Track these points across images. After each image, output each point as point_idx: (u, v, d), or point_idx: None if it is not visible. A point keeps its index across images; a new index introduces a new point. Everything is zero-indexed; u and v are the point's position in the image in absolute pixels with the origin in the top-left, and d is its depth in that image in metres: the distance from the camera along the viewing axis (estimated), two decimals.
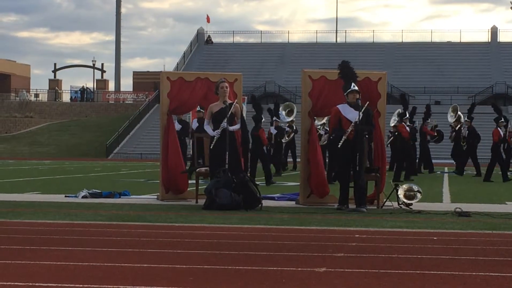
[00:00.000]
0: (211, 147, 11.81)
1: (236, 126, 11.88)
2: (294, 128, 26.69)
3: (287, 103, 28.65)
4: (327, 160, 18.09)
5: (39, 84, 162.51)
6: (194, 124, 21.52)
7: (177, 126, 21.35)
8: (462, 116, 26.16)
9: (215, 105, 11.85)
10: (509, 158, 23.49)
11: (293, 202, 12.45)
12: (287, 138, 25.92)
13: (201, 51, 72.72)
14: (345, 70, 11.59)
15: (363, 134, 11.34)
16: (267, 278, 5.45)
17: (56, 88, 74.02)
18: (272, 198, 13.04)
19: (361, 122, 11.17)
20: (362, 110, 11.20)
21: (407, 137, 22.08)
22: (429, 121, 27.39)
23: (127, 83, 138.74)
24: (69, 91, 75.13)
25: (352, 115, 11.24)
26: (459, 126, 25.94)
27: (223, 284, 5.21)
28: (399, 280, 5.45)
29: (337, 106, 11.38)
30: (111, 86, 78.41)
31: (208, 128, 11.94)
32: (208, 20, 75.51)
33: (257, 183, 11.99)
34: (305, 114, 12.26)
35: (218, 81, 12.05)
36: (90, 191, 13.24)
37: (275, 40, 76.25)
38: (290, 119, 26.76)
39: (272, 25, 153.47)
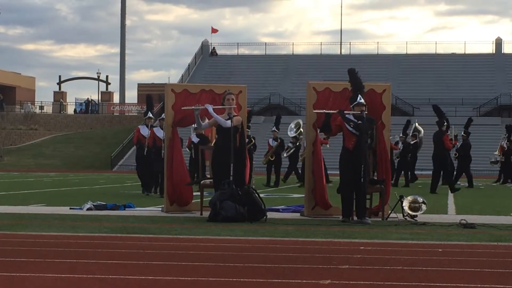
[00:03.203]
0: (214, 156, 11.82)
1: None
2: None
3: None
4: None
5: (44, 97, 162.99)
6: (195, 138, 21.60)
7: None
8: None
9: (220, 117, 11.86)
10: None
11: (298, 214, 12.44)
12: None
13: (205, 63, 72.85)
14: (353, 78, 11.62)
15: (365, 142, 11.34)
16: None
17: (61, 100, 74.15)
18: (277, 210, 13.04)
19: (363, 125, 11.21)
20: (364, 116, 11.24)
21: None
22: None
23: (132, 95, 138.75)
24: (74, 103, 75.30)
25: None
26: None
27: None
28: None
29: (342, 114, 11.35)
30: (116, 98, 78.55)
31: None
32: (213, 31, 75.55)
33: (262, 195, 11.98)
34: (310, 126, 12.26)
35: (225, 93, 12.07)
36: (95, 203, 13.24)
37: (280, 52, 76.39)
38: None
39: (277, 37, 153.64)
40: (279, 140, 25.38)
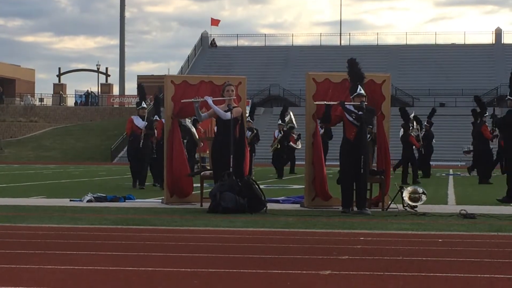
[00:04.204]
0: (214, 148, 11.82)
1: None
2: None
3: None
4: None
5: (43, 89, 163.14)
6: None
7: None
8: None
9: (220, 108, 11.84)
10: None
11: (298, 205, 12.44)
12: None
13: (205, 54, 72.76)
14: (353, 69, 11.56)
15: (366, 133, 11.34)
16: (272, 281, 5.45)
17: (61, 92, 74.08)
18: (277, 201, 13.04)
19: (364, 116, 11.20)
20: (364, 107, 11.22)
21: None
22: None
23: (131, 87, 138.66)
24: (74, 96, 75.25)
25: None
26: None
27: None
28: (404, 282, 5.44)
29: (343, 105, 11.32)
30: (116, 90, 78.56)
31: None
32: (214, 23, 75.35)
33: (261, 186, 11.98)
34: (310, 117, 12.25)
35: (224, 84, 12.04)
36: (95, 195, 13.25)
37: (279, 43, 76.39)
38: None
39: (277, 28, 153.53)
40: (254, 131, 25.33)
